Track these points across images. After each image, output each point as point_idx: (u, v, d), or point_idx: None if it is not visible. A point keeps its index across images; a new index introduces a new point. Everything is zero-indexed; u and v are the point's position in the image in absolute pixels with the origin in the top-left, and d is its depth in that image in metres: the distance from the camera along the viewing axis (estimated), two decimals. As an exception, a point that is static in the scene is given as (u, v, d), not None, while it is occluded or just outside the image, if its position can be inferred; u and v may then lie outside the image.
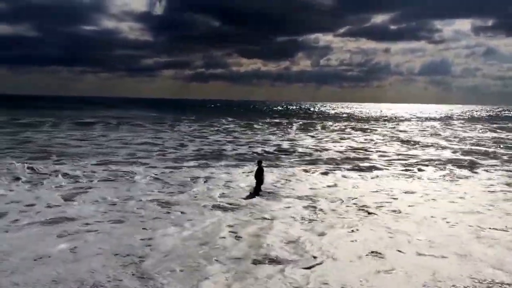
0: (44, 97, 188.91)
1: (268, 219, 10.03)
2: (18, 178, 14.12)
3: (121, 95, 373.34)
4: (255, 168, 13.51)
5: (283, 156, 22.02)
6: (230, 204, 11.43)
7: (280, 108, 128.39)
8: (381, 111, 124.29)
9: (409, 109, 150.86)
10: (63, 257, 7.25)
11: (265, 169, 13.74)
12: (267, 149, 24.71)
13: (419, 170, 18.08)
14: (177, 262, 7.14)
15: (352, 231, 9.18)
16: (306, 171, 17.24)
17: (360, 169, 17.94)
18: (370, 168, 18.19)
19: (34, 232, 8.62)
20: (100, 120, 44.74)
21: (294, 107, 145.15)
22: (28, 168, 15.79)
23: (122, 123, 41.53)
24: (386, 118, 78.80)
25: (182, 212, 10.47)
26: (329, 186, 14.17)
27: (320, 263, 7.26)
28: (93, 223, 9.34)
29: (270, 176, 15.24)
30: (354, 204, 11.66)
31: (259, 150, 24.35)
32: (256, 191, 12.75)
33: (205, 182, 14.39)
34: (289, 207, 11.20)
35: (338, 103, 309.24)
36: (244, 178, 15.20)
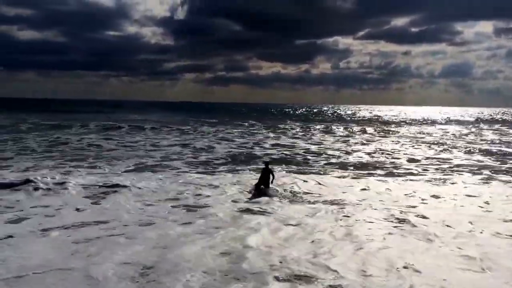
0: (70, 101, 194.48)
1: (293, 225, 9.65)
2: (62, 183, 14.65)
3: (143, 99, 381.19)
4: (262, 168, 13.76)
5: (312, 159, 22.18)
6: (262, 209, 11.35)
7: (300, 111, 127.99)
8: (405, 114, 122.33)
9: (430, 112, 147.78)
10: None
11: (295, 173, 13.95)
12: (296, 152, 24.93)
13: (453, 175, 17.87)
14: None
15: (384, 239, 8.76)
16: (338, 176, 17.30)
17: (392, 174, 17.91)
18: (403, 173, 18.14)
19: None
20: (125, 123, 45.78)
21: (315, 110, 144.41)
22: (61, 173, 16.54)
23: (148, 126, 42.37)
24: (409, 120, 77.65)
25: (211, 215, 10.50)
26: (362, 190, 14.03)
27: (344, 277, 6.67)
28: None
29: (301, 181, 15.41)
30: (386, 210, 11.35)
31: (288, 153, 24.60)
32: (260, 192, 12.86)
33: (234, 184, 14.54)
34: (318, 213, 10.83)
35: (358, 105, 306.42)
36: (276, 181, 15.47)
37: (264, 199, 12.35)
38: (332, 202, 12.13)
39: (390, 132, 44.34)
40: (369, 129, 48.55)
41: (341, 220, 10.21)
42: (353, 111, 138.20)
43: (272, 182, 13.31)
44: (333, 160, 21.66)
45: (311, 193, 13.33)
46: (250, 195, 12.81)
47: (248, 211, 11.01)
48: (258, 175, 14.13)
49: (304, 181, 15.36)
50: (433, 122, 72.14)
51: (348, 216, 10.56)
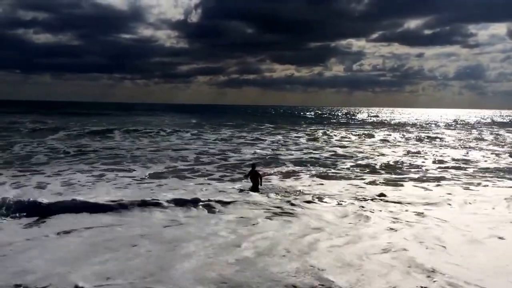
0: (84, 103, 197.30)
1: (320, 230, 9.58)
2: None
3: (157, 101, 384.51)
4: (249, 170, 14.41)
5: (340, 162, 22.20)
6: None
7: (315, 113, 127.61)
8: (421, 116, 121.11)
9: (445, 114, 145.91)
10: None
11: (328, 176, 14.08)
12: (323, 155, 25.02)
13: (485, 178, 17.83)
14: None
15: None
16: (370, 182, 17.35)
17: (424, 178, 17.92)
18: (436, 177, 18.14)
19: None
20: (145, 126, 46.32)
21: (331, 112, 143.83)
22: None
23: (167, 129, 42.69)
24: (426, 123, 76.90)
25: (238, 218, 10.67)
26: (398, 197, 13.48)
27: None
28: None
29: (336, 186, 15.53)
30: (427, 217, 11.21)
31: (316, 155, 24.71)
32: (254, 189, 13.43)
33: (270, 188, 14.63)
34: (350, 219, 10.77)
35: (371, 108, 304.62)
36: (308, 182, 15.66)
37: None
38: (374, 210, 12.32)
39: (413, 136, 44.05)
40: (387, 130, 48.35)
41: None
42: (367, 113, 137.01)
43: (261, 184, 13.78)
44: (363, 163, 21.72)
45: (344, 198, 13.53)
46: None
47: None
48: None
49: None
50: (449, 125, 71.39)
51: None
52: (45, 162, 20.02)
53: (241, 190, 13.90)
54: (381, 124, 69.30)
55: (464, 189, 15.16)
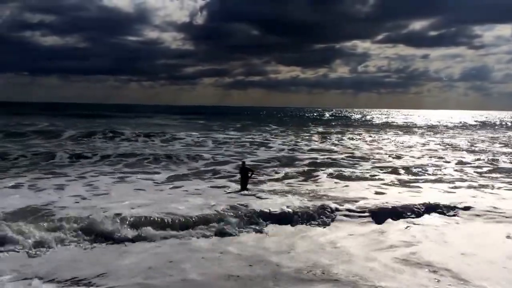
0: (91, 105, 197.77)
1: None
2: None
3: (163, 103, 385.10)
4: (240, 167, 15.09)
5: (358, 164, 22.09)
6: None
7: (320, 115, 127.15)
8: (430, 118, 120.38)
9: (452, 116, 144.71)
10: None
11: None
12: (339, 157, 24.92)
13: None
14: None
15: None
16: (392, 183, 17.28)
17: (445, 180, 17.85)
18: (455, 179, 18.05)
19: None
20: (154, 129, 46.22)
21: (336, 114, 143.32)
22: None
23: (175, 131, 42.53)
24: (436, 125, 76.17)
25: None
26: (426, 202, 12.94)
27: None
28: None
29: (356, 187, 15.45)
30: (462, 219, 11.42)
31: (333, 156, 24.64)
32: (242, 187, 14.18)
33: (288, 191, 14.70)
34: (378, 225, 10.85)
35: (376, 109, 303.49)
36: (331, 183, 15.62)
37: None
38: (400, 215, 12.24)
39: (426, 138, 43.81)
40: (397, 133, 48.14)
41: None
42: (373, 115, 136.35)
43: (250, 177, 14.55)
44: (380, 164, 21.63)
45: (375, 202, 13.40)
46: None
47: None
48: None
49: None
50: (460, 126, 70.89)
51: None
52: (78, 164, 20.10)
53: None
54: (392, 126, 68.95)
55: None
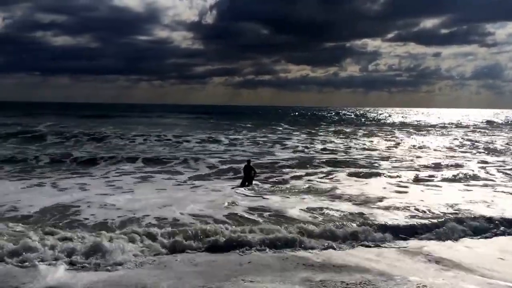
0: (102, 105, 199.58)
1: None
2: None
3: (173, 102, 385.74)
4: (244, 164, 15.77)
5: (380, 163, 21.90)
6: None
7: (331, 114, 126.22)
8: (446, 118, 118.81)
9: (465, 114, 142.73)
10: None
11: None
12: (356, 156, 24.75)
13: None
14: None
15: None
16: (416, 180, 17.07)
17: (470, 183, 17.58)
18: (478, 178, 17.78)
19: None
20: (166, 128, 46.30)
21: (347, 113, 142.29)
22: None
23: (186, 130, 42.56)
24: (451, 124, 74.79)
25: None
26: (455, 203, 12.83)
27: None
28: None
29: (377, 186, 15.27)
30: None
31: (353, 156, 24.49)
32: (243, 184, 14.79)
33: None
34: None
35: (388, 108, 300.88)
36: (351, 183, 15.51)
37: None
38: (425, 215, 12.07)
39: (442, 137, 43.30)
40: (411, 132, 47.64)
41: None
42: (386, 114, 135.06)
43: (254, 177, 15.16)
44: (398, 164, 21.43)
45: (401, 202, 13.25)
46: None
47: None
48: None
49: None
50: (474, 125, 69.85)
51: None
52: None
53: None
54: (406, 125, 68.25)
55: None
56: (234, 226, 9.66)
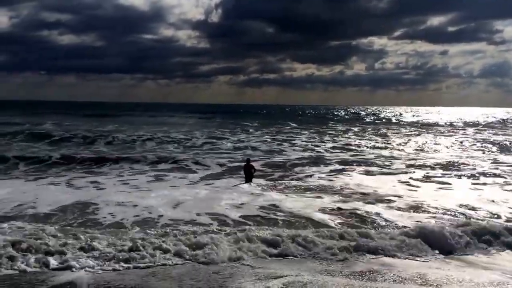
0: (107, 104, 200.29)
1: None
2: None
3: (178, 101, 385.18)
4: (244, 164, 16.00)
5: (393, 162, 21.78)
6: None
7: (338, 113, 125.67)
8: (456, 116, 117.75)
9: (484, 113, 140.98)
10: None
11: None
12: (368, 156, 24.65)
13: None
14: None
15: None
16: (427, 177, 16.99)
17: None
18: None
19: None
20: (172, 128, 46.31)
21: (354, 112, 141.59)
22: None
23: (193, 129, 42.50)
24: (464, 123, 73.69)
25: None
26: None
27: None
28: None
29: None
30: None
31: (365, 155, 24.37)
32: (246, 181, 15.04)
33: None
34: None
35: (395, 106, 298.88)
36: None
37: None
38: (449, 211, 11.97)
39: (455, 135, 42.96)
40: (423, 131, 47.30)
41: None
42: (393, 113, 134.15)
43: (253, 173, 15.40)
44: (413, 162, 21.30)
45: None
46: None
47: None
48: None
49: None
50: (490, 123, 69.08)
51: None
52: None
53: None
54: (415, 124, 67.74)
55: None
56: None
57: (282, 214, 11.13)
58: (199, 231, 9.03)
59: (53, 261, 7.17)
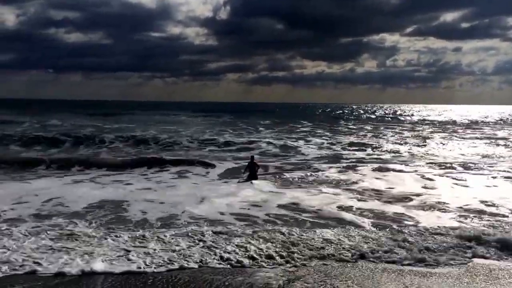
0: (115, 102, 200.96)
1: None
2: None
3: (186, 100, 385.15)
4: (248, 161, 16.27)
5: (413, 161, 21.67)
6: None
7: (349, 111, 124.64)
8: (472, 114, 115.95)
9: (490, 111, 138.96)
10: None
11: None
12: (386, 155, 24.54)
13: None
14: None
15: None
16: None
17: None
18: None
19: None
20: (181, 127, 46.25)
21: (366, 110, 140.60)
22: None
23: (203, 128, 42.50)
24: (485, 121, 72.45)
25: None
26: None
27: None
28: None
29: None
30: None
31: (382, 154, 24.29)
32: (249, 178, 15.34)
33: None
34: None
35: (406, 104, 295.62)
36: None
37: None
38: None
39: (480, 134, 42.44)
40: (439, 129, 46.77)
41: None
42: (406, 112, 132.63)
43: (257, 170, 15.76)
44: (434, 160, 21.17)
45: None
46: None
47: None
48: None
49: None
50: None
51: None
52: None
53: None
54: (429, 123, 67.01)
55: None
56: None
57: (307, 214, 11.05)
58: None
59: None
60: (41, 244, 8.08)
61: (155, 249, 7.90)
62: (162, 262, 7.32)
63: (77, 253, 7.62)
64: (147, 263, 7.25)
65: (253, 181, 14.93)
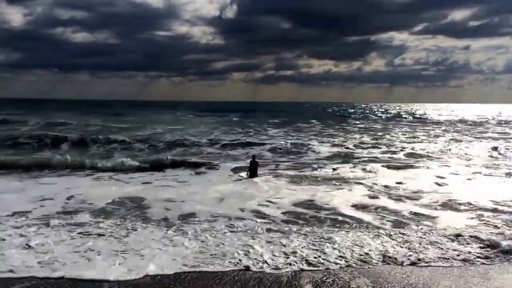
0: (123, 102, 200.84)
1: None
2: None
3: (192, 99, 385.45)
4: (250, 160, 16.68)
5: (423, 159, 21.72)
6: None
7: (358, 110, 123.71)
8: (485, 113, 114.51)
9: (501, 110, 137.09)
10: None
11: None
12: (399, 154, 24.54)
13: None
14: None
15: None
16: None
17: None
18: None
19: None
20: (189, 126, 46.29)
21: (374, 109, 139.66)
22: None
23: (211, 128, 42.62)
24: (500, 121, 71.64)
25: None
26: None
27: None
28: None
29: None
30: None
31: (395, 154, 24.30)
32: (251, 176, 15.86)
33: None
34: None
35: (414, 104, 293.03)
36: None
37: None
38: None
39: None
40: (453, 129, 46.44)
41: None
42: (415, 111, 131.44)
43: (257, 169, 16.25)
44: (448, 158, 21.16)
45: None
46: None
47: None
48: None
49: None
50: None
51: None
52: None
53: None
54: (443, 122, 66.45)
55: None
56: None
57: (326, 212, 11.15)
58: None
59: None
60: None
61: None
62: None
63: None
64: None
65: (254, 179, 15.54)
